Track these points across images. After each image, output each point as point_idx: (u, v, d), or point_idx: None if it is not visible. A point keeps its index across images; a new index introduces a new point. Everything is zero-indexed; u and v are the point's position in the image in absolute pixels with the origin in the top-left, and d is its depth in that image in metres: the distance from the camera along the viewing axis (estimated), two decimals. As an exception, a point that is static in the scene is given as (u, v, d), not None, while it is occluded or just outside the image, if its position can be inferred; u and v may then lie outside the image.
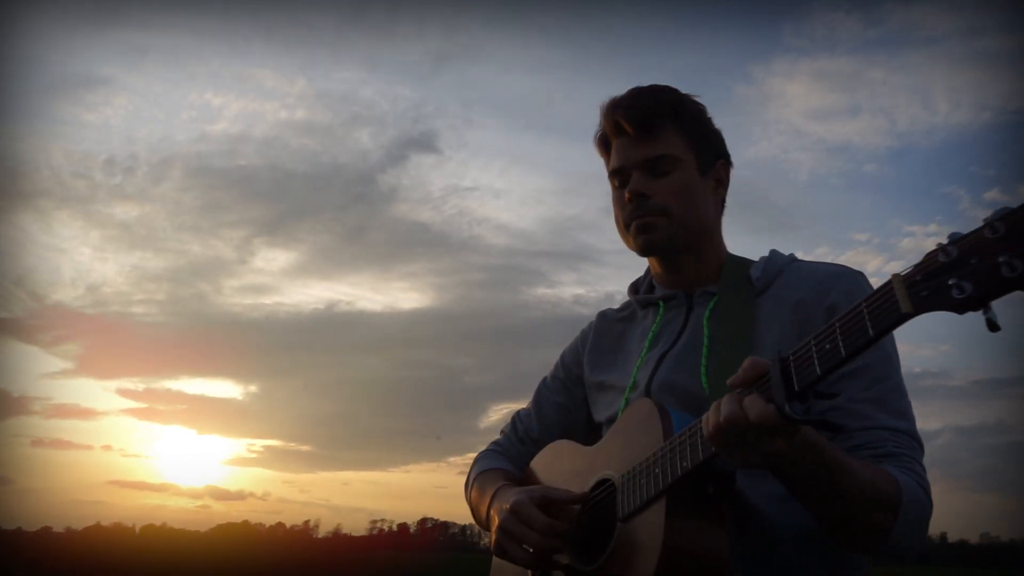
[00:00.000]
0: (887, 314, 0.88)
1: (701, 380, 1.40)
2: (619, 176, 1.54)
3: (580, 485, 1.45)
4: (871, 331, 0.90)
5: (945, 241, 0.84)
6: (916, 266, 0.86)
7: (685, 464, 1.18)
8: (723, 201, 1.58)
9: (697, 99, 1.55)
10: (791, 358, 1.02)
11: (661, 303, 1.58)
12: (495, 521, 1.45)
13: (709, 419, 1.09)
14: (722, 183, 1.56)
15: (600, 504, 1.39)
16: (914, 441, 1.29)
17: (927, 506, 1.22)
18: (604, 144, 1.58)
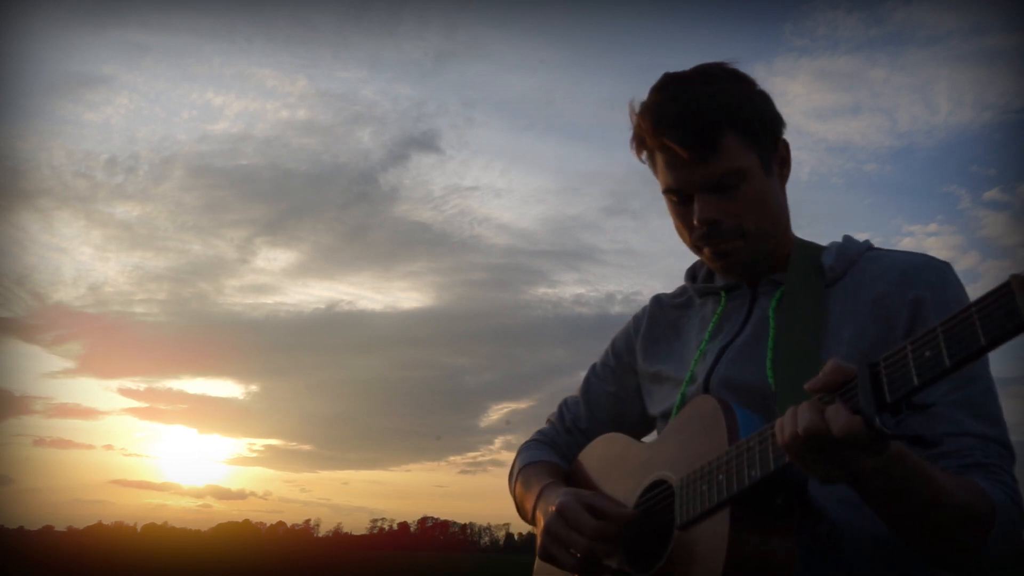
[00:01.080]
0: (1005, 320, 0.76)
1: (767, 375, 1.27)
2: (676, 195, 1.34)
3: (633, 483, 1.33)
4: (983, 339, 0.78)
5: None
6: None
7: (754, 473, 1.05)
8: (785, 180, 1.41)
9: (745, 78, 1.35)
10: (882, 364, 0.89)
11: (723, 292, 1.44)
12: (540, 522, 1.34)
13: (785, 427, 0.96)
14: (785, 162, 1.38)
15: (655, 507, 1.27)
16: (1005, 450, 1.16)
17: (1020, 520, 1.11)
18: (642, 145, 1.39)
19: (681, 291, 1.57)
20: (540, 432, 1.69)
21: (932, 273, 1.25)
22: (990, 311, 0.77)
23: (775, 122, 1.37)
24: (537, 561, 1.48)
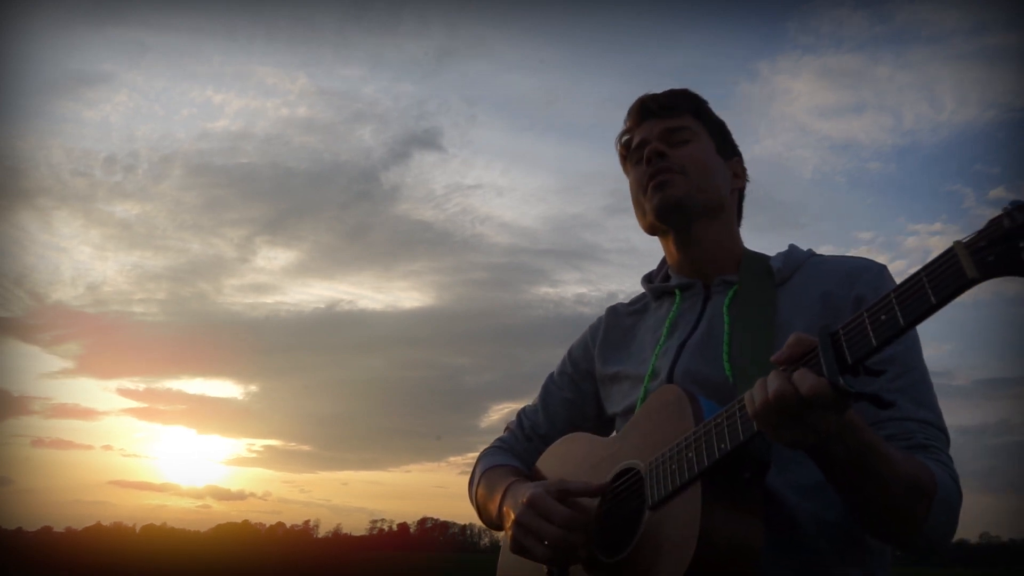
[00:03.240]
0: (950, 280, 0.88)
1: (724, 368, 1.37)
2: (638, 152, 1.56)
3: (599, 476, 1.39)
4: (933, 298, 0.90)
5: (1008, 207, 0.85)
6: (979, 232, 0.86)
7: (723, 446, 1.13)
8: (740, 198, 1.61)
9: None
10: (841, 331, 1.01)
11: (678, 292, 1.55)
12: (509, 517, 1.38)
13: (755, 396, 1.06)
14: (739, 176, 1.59)
15: (623, 494, 1.33)
16: (941, 433, 1.28)
17: (958, 498, 1.21)
18: (627, 146, 1.61)
19: (636, 299, 1.69)
20: (499, 439, 1.76)
21: (872, 274, 1.39)
22: (938, 274, 0.89)
23: (731, 139, 1.62)
24: (502, 556, 1.54)
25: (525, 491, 1.35)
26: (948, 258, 0.89)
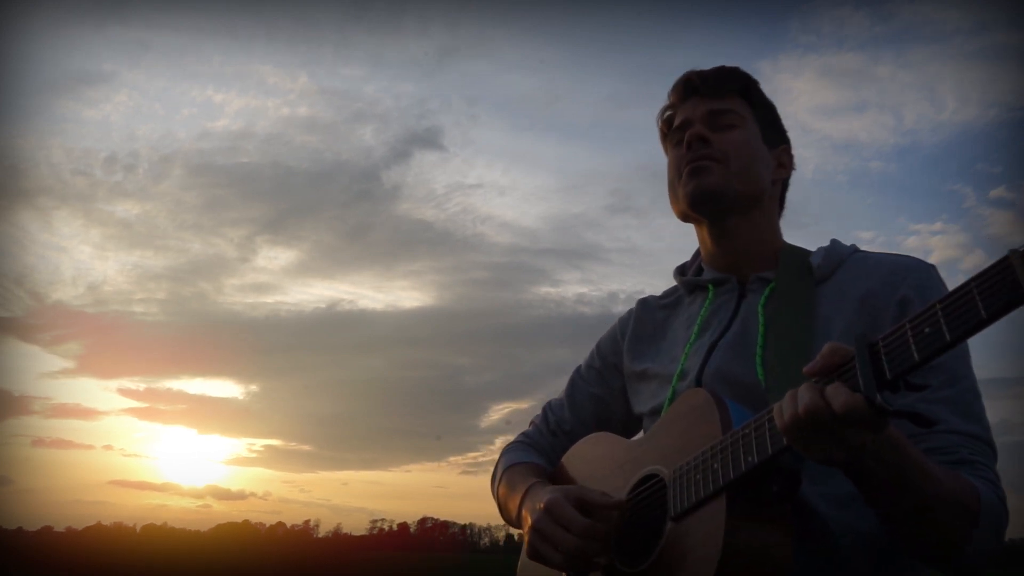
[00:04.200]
0: (1005, 294, 0.78)
1: (756, 371, 1.29)
2: (680, 132, 1.46)
3: (623, 479, 1.33)
4: (983, 312, 0.80)
5: None
6: None
7: (751, 459, 1.05)
8: (784, 188, 1.51)
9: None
10: (881, 343, 0.91)
11: (711, 286, 1.47)
12: (527, 521, 1.33)
13: (784, 410, 0.98)
14: (784, 166, 1.49)
15: (646, 501, 1.27)
16: (988, 448, 1.19)
17: (1004, 517, 1.12)
18: (668, 123, 1.52)
19: (669, 292, 1.60)
20: (524, 434, 1.69)
21: (919, 275, 1.28)
22: (990, 285, 0.80)
23: (781, 124, 1.50)
24: (522, 559, 1.48)
25: (543, 496, 1.30)
26: (1002, 268, 0.79)
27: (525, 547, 1.32)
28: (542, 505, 1.28)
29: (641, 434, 1.48)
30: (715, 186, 1.39)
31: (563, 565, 1.26)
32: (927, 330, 0.86)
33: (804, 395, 0.95)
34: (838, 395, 0.92)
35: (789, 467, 1.07)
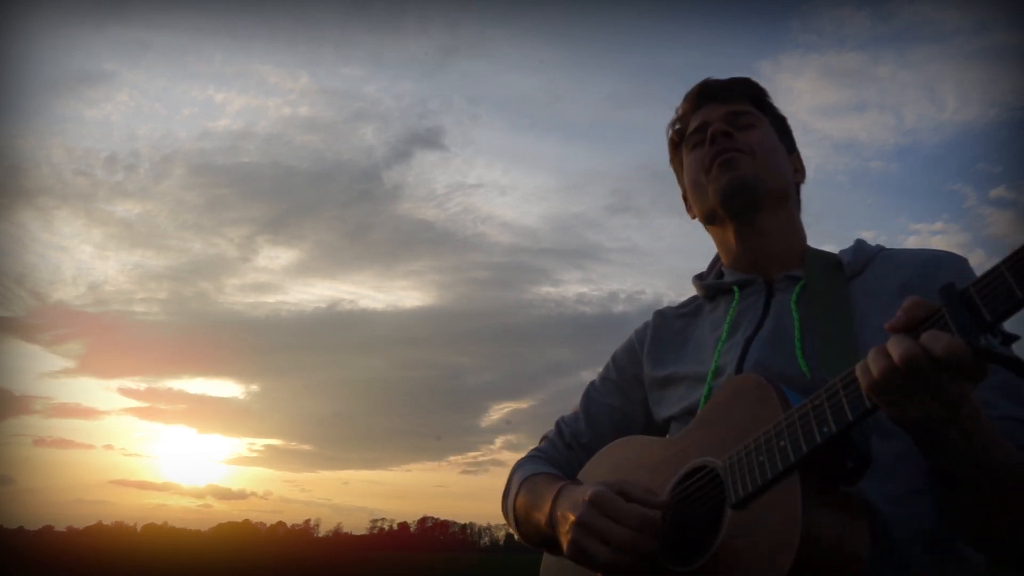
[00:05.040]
0: None
1: (799, 363, 1.24)
2: (698, 135, 1.46)
3: (661, 478, 1.22)
4: None
5: None
6: None
7: (826, 429, 0.95)
8: (799, 192, 1.50)
9: None
10: (972, 288, 0.84)
11: (736, 289, 1.42)
12: (567, 519, 1.19)
13: (871, 366, 0.89)
14: (799, 172, 1.51)
15: (694, 496, 1.15)
16: None
17: None
18: (680, 134, 1.53)
19: (686, 303, 1.57)
20: (537, 449, 1.61)
21: (956, 263, 1.28)
22: None
23: (791, 132, 1.53)
24: (544, 562, 1.43)
25: (586, 490, 1.18)
26: None
27: (564, 547, 1.19)
28: (586, 498, 1.15)
29: (680, 431, 1.38)
30: (749, 177, 1.37)
31: (610, 562, 1.11)
32: None
33: (898, 344, 0.87)
34: (938, 340, 0.84)
35: (860, 445, 0.99)
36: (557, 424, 1.63)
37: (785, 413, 1.02)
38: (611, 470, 1.37)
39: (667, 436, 1.40)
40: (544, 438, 1.63)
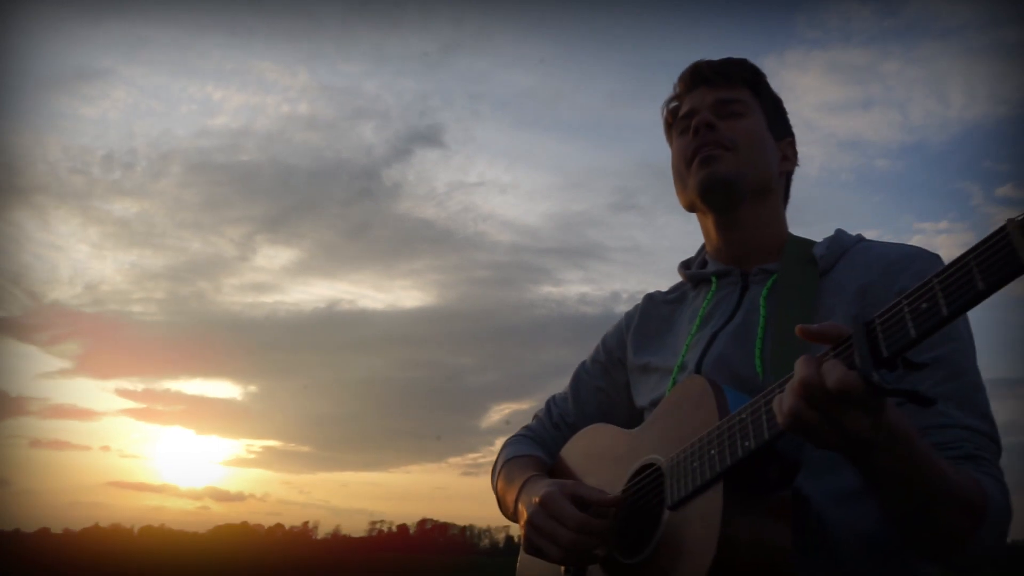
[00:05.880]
0: (1002, 264, 0.76)
1: (755, 363, 1.28)
2: (686, 120, 1.46)
3: (621, 470, 1.33)
4: (981, 283, 0.78)
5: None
6: None
7: (747, 444, 1.03)
8: (788, 181, 1.51)
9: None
10: (877, 320, 0.88)
11: (714, 278, 1.47)
12: (523, 515, 1.33)
13: (784, 397, 0.95)
14: (789, 159, 1.49)
15: (644, 491, 1.26)
16: (994, 444, 1.17)
17: (1008, 514, 1.11)
18: (673, 114, 1.52)
19: (675, 288, 1.61)
20: (526, 427, 1.70)
21: (922, 263, 1.26)
22: (987, 256, 0.77)
23: (786, 117, 1.51)
24: (521, 554, 1.48)
25: (539, 489, 1.30)
26: (1000, 239, 0.77)
27: (522, 542, 1.32)
28: (537, 499, 1.28)
29: (641, 423, 1.47)
30: (726, 174, 1.38)
31: (560, 559, 1.26)
32: (924, 305, 0.83)
33: (800, 368, 0.92)
34: (833, 371, 0.88)
35: (788, 453, 1.06)
36: (547, 404, 1.71)
37: (720, 421, 1.10)
38: (582, 457, 1.49)
39: (639, 425, 1.45)
40: (535, 416, 1.72)
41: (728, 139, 1.40)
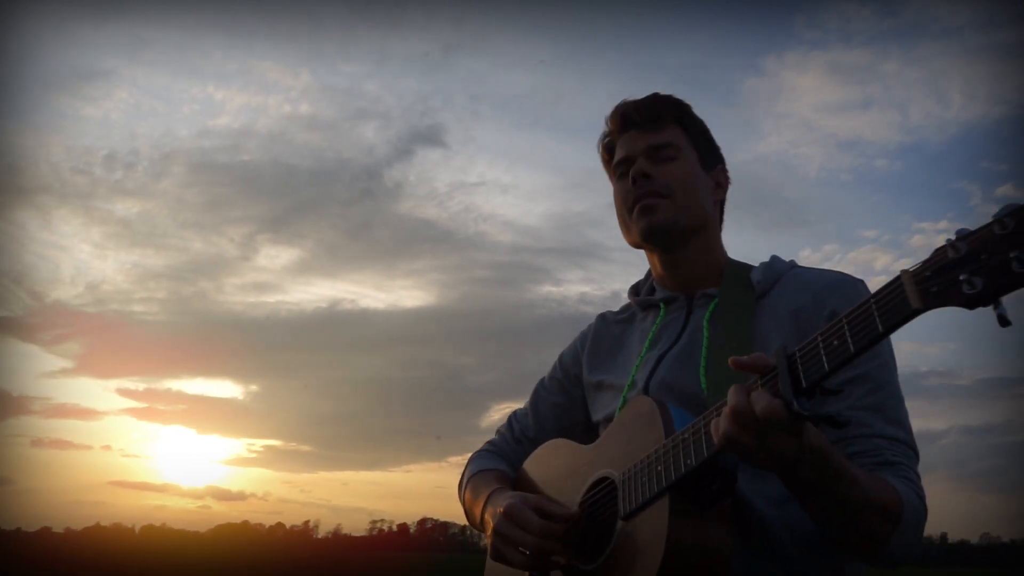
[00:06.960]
0: (896, 310, 0.90)
1: (700, 381, 1.41)
2: (623, 166, 1.58)
3: (578, 483, 1.45)
4: (880, 326, 0.92)
5: (953, 237, 0.85)
6: (925, 262, 0.88)
7: (689, 461, 1.17)
8: (722, 207, 1.63)
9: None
10: (797, 353, 1.03)
11: (662, 304, 1.60)
12: (489, 525, 1.45)
13: (720, 419, 1.09)
14: (721, 186, 1.61)
15: (599, 503, 1.39)
16: (910, 450, 1.31)
17: (923, 516, 1.24)
18: (609, 151, 1.63)
19: (625, 308, 1.73)
20: (490, 443, 1.83)
21: (846, 288, 1.40)
22: (885, 303, 0.92)
23: (718, 150, 1.63)
24: (488, 562, 1.57)
25: (504, 501, 1.42)
26: (895, 287, 0.91)
27: (488, 550, 1.44)
28: (502, 509, 1.40)
29: (597, 439, 1.58)
30: (664, 222, 1.51)
31: (524, 565, 1.37)
32: (835, 342, 0.98)
33: (732, 396, 1.06)
34: (760, 399, 1.02)
35: (727, 467, 1.19)
36: (509, 419, 1.84)
37: (667, 439, 1.24)
38: (542, 470, 1.62)
39: (594, 441, 1.56)
40: (498, 431, 1.85)
41: (663, 186, 1.51)
